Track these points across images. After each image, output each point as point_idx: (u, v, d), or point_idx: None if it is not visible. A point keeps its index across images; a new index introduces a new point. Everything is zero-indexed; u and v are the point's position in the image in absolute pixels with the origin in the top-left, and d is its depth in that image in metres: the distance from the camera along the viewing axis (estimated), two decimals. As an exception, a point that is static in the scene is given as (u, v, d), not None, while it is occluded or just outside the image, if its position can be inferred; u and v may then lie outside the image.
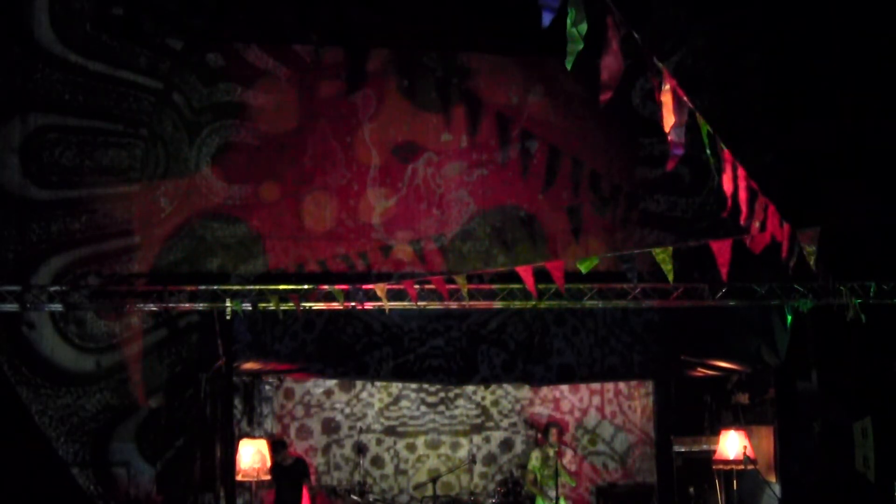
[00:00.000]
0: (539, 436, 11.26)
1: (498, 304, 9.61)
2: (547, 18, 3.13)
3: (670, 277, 6.63)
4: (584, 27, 3.23)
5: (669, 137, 3.96)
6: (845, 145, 10.00)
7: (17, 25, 9.75)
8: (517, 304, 9.62)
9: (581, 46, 3.24)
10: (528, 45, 10.31)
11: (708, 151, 4.55)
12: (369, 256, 10.29)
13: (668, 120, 3.99)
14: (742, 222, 5.52)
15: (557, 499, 10.29)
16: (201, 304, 9.29)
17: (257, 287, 9.30)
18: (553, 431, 10.83)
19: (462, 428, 12.09)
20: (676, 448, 11.48)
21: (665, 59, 10.24)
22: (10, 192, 9.70)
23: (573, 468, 11.80)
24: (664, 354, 10.81)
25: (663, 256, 6.55)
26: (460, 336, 10.49)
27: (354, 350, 10.29)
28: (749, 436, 10.58)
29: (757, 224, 5.66)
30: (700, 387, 11.92)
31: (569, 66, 3.25)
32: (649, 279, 9.41)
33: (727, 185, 4.79)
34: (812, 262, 5.96)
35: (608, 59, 3.39)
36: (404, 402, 12.02)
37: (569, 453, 10.94)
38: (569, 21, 3.19)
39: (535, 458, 10.72)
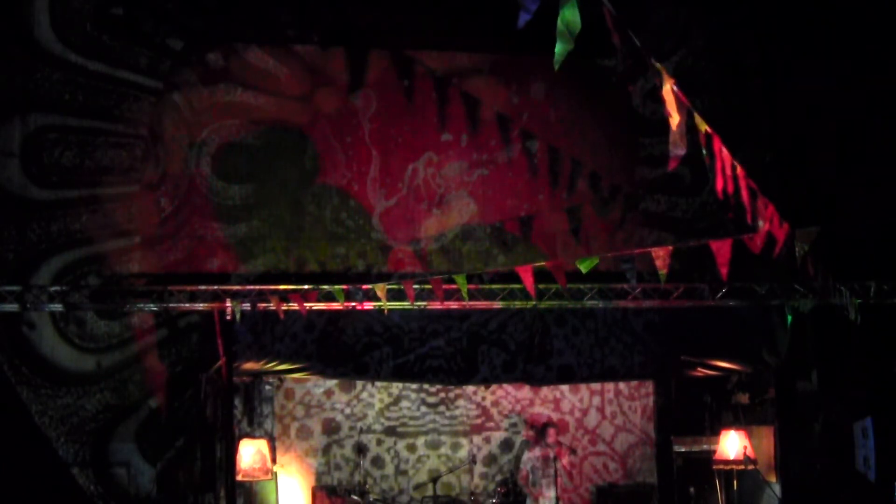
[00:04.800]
0: (534, 435, 11.27)
1: (498, 304, 9.61)
2: (523, 19, 3.12)
3: (663, 279, 6.64)
4: (576, 26, 3.21)
5: (671, 137, 3.95)
6: (845, 145, 10.00)
7: (17, 25, 9.75)
8: (517, 304, 9.61)
9: (571, 46, 3.23)
10: (528, 45, 10.32)
11: (704, 151, 4.55)
12: (369, 256, 10.29)
13: (671, 119, 3.99)
14: (748, 221, 5.51)
15: (557, 500, 10.30)
16: (201, 304, 9.29)
17: (257, 287, 9.30)
18: (550, 432, 10.84)
19: (462, 428, 12.09)
20: (676, 448, 11.48)
21: (665, 59, 10.25)
22: (10, 192, 9.70)
23: (571, 467, 11.80)
24: (664, 354, 10.81)
25: (662, 257, 6.56)
26: (460, 336, 10.49)
27: (354, 350, 10.28)
28: (749, 436, 10.58)
29: (757, 223, 5.66)
30: (700, 387, 11.92)
31: (556, 66, 3.24)
32: (649, 279, 9.41)
33: (720, 185, 4.78)
34: (807, 262, 5.96)
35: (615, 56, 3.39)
36: (404, 403, 12.02)
37: (568, 454, 10.94)
38: (560, 20, 3.18)
39: (533, 459, 10.74)
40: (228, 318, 9.27)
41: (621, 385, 12.40)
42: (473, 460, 11.80)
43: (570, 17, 3.20)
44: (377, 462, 11.88)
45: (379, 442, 11.91)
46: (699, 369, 11.04)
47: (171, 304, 9.26)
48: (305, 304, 9.04)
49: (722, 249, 6.26)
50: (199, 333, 10.06)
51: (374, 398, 11.95)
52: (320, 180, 10.33)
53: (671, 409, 12.24)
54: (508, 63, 10.72)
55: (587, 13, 3.30)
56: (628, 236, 10.62)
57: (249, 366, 10.24)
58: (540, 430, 11.13)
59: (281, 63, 10.29)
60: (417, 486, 11.70)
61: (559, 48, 3.21)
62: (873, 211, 9.77)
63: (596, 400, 12.42)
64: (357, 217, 10.37)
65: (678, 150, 3.96)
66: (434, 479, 11.21)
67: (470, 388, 11.98)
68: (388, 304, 8.78)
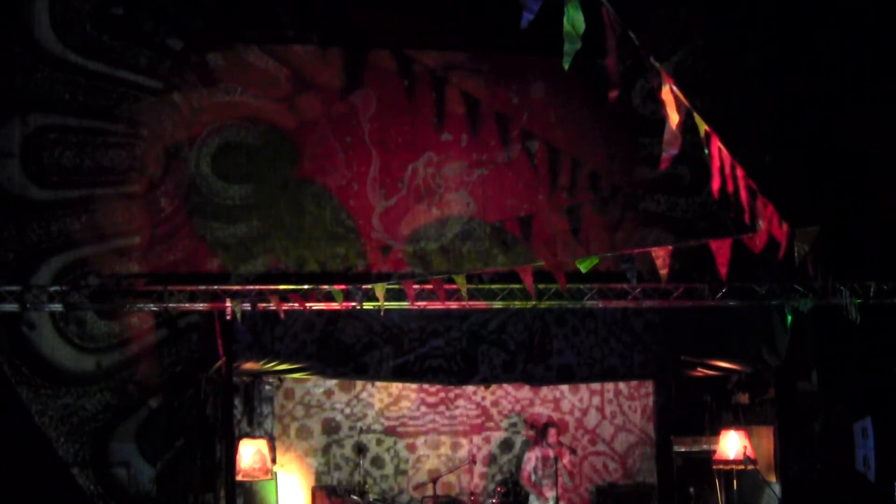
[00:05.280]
0: (535, 435, 11.28)
1: (498, 304, 9.61)
2: (526, 19, 3.13)
3: (663, 279, 6.64)
4: (581, 26, 3.22)
5: (665, 137, 3.96)
6: (845, 145, 10.00)
7: (17, 25, 9.75)
8: (517, 304, 9.62)
9: (578, 46, 3.24)
10: (528, 45, 10.32)
11: (707, 150, 4.56)
12: (369, 256, 10.29)
13: (670, 119, 4.00)
14: (746, 221, 5.52)
15: (557, 500, 10.30)
16: (201, 304, 9.29)
17: (257, 287, 9.30)
18: (551, 432, 10.84)
19: (462, 428, 12.09)
20: (676, 448, 11.49)
21: (665, 59, 10.25)
22: (10, 192, 9.70)
23: (571, 467, 11.80)
24: (664, 354, 10.81)
25: (662, 257, 6.56)
26: (460, 336, 10.49)
27: (354, 350, 10.28)
28: (749, 436, 10.58)
29: (756, 223, 5.66)
30: (700, 387, 11.92)
31: (566, 66, 3.25)
32: (649, 279, 9.40)
33: (716, 185, 4.78)
34: (807, 262, 5.96)
35: (608, 57, 3.39)
36: (404, 402, 12.01)
37: (568, 454, 10.95)
38: (566, 20, 3.19)
39: (534, 459, 10.74)
40: (228, 318, 9.28)
41: (621, 385, 12.40)
42: (473, 460, 11.81)
43: (575, 17, 3.20)
44: (377, 462, 11.88)
45: (379, 442, 11.90)
46: (699, 369, 11.04)
47: (170, 304, 9.25)
48: (306, 304, 9.05)
49: (722, 249, 6.27)
50: (198, 333, 10.06)
51: (374, 398, 11.94)
52: (320, 180, 10.33)
53: (671, 409, 12.24)
54: (508, 63, 10.72)
55: (588, 13, 3.30)
56: (628, 236, 10.62)
57: (249, 366, 10.24)
58: (541, 430, 11.14)
59: (281, 63, 10.29)
60: (417, 486, 11.70)
61: (567, 48, 3.22)
62: (873, 211, 9.77)
63: (596, 400, 12.42)
64: (357, 217, 10.37)
65: (671, 149, 3.97)
66: (434, 479, 11.21)
67: (470, 388, 11.97)
68: (388, 304, 8.78)
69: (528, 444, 11.57)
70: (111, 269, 9.80)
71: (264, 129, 10.24)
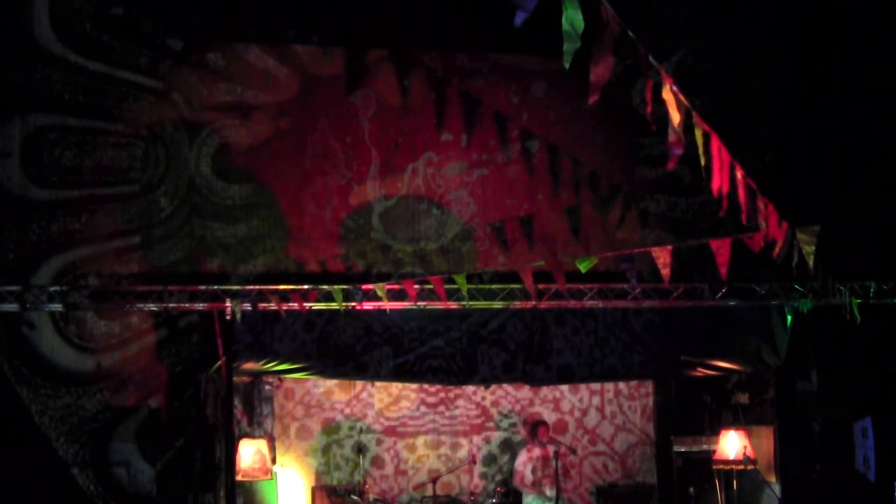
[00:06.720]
0: (526, 434, 11.29)
1: (498, 304, 9.61)
2: (520, 17, 3.13)
3: (666, 279, 6.64)
4: (580, 25, 3.22)
5: (671, 138, 3.96)
6: (845, 145, 10.00)
7: (17, 25, 9.75)
8: (517, 304, 9.62)
9: (578, 45, 3.24)
10: (528, 45, 10.32)
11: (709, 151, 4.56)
12: (369, 256, 10.29)
13: (672, 119, 4.00)
14: (745, 221, 5.51)
15: (557, 499, 10.31)
16: (201, 304, 9.29)
17: (257, 287, 9.30)
18: (541, 430, 10.86)
19: (462, 428, 12.09)
20: (676, 448, 11.49)
21: (665, 59, 10.25)
22: (10, 192, 9.70)
23: (571, 467, 11.81)
24: (664, 354, 10.80)
25: (662, 257, 6.56)
26: (460, 336, 10.48)
27: (354, 350, 10.28)
28: (749, 436, 10.59)
29: (756, 223, 5.66)
30: (700, 387, 11.92)
31: (566, 65, 3.25)
32: (649, 279, 9.41)
33: (716, 184, 4.77)
34: (811, 262, 5.96)
35: (600, 58, 3.38)
36: (404, 402, 12.02)
37: (568, 454, 10.95)
38: (564, 19, 3.19)
39: (530, 459, 10.75)
40: (228, 318, 9.27)
41: (621, 385, 12.40)
42: (473, 460, 11.81)
43: (573, 16, 3.20)
44: (377, 462, 11.88)
45: (379, 442, 11.91)
46: (699, 369, 11.04)
47: (170, 304, 9.26)
48: (305, 304, 9.05)
49: (722, 249, 6.27)
50: (199, 333, 10.05)
51: (374, 398, 11.95)
52: (320, 180, 10.33)
53: (671, 409, 12.24)
54: (508, 63, 10.72)
55: (588, 13, 3.30)
56: (628, 236, 10.61)
57: (249, 366, 10.23)
58: (530, 429, 11.17)
59: (281, 63, 10.29)
60: (417, 486, 11.70)
61: (566, 47, 3.22)
62: (873, 211, 9.77)
63: (596, 400, 12.42)
64: (357, 217, 10.36)
65: (676, 149, 3.97)
66: (434, 479, 11.21)
67: (470, 388, 11.98)
68: (388, 304, 8.78)
69: (522, 445, 11.56)
70: (111, 269, 9.79)
71: (264, 128, 10.24)
